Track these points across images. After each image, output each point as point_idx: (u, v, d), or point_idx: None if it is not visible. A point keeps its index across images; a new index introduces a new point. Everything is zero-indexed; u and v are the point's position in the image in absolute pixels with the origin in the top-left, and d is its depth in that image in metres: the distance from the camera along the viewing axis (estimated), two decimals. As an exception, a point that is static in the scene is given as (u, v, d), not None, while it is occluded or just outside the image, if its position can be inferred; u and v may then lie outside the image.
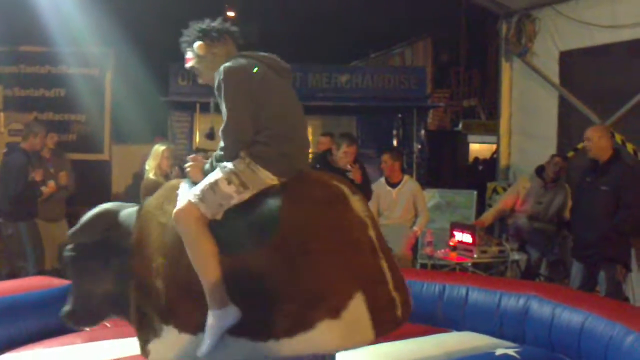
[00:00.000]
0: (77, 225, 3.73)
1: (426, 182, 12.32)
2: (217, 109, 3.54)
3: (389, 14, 17.39)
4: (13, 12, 10.50)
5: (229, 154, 3.41)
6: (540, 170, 8.10)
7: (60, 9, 10.52)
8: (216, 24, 3.66)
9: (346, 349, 3.34)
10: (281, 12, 16.11)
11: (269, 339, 3.25)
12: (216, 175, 3.40)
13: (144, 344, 3.57)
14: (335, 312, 3.19)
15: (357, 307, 3.22)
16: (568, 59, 9.31)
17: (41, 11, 10.45)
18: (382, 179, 8.04)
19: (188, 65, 3.70)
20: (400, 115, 14.39)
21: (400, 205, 7.88)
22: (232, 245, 3.33)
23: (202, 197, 3.34)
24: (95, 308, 3.74)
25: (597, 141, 6.39)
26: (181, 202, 3.39)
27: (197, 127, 12.56)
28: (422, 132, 14.15)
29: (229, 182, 3.34)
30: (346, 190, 3.48)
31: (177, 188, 3.60)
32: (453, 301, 5.52)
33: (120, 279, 3.61)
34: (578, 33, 8.98)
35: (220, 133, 3.43)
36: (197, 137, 12.41)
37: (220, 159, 3.45)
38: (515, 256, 7.96)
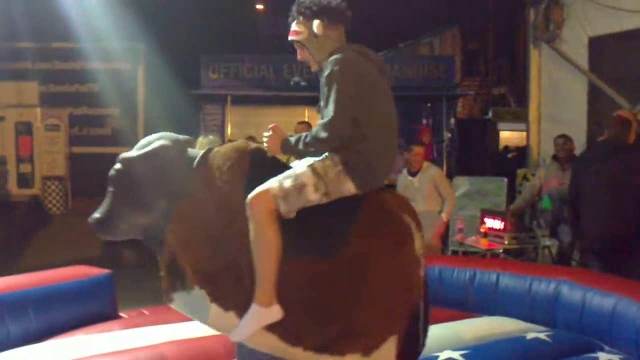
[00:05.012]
0: (142, 151, 3.35)
1: (456, 170, 12.35)
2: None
3: (417, 4, 17.40)
4: (45, 9, 10.71)
5: (323, 148, 3.29)
6: (556, 155, 8.03)
7: (90, 6, 10.72)
8: (337, 2, 3.46)
9: None
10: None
11: (297, 346, 3.21)
12: (305, 177, 3.23)
13: (169, 290, 3.33)
14: (368, 350, 3.22)
15: (388, 349, 3.26)
16: (597, 45, 9.27)
17: (72, 8, 10.67)
18: (405, 171, 7.97)
19: (294, 38, 3.46)
20: (429, 105, 14.41)
21: (421, 193, 7.75)
22: (296, 247, 3.19)
23: (286, 196, 3.17)
24: (123, 229, 3.38)
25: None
26: (262, 188, 3.18)
27: (228, 119, 12.67)
28: (452, 120, 14.19)
29: (316, 190, 3.22)
30: (413, 227, 3.42)
31: (247, 152, 3.38)
32: (484, 286, 5.55)
33: (161, 215, 3.30)
34: (606, 18, 8.95)
35: (319, 125, 3.26)
36: (229, 130, 12.52)
37: (309, 144, 3.27)
38: (546, 242, 7.94)
